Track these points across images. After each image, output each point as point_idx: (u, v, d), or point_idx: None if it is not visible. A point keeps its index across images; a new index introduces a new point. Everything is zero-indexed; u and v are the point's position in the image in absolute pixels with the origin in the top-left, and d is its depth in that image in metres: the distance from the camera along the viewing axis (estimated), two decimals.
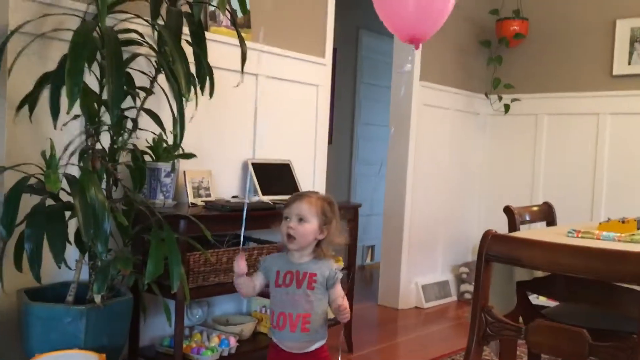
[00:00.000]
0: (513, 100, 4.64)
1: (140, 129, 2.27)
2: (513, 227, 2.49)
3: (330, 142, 5.41)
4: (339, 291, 1.81)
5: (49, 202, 1.95)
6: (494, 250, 1.67)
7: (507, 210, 2.53)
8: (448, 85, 4.58)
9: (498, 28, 4.61)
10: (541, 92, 4.63)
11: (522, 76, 4.69)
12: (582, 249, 1.52)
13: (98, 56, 2.13)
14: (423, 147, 4.42)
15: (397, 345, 3.60)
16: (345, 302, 1.77)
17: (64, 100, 1.85)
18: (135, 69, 2.39)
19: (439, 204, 4.63)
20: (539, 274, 1.90)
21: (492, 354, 2.20)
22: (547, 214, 2.76)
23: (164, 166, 2.54)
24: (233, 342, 2.73)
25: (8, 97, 2.01)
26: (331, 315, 1.86)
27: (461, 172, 4.83)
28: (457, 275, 4.76)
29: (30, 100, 2.13)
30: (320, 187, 3.67)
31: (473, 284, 1.75)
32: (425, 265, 4.52)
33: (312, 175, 3.61)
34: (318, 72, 3.59)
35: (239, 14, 3.02)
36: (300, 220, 1.81)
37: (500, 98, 4.68)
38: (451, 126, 4.68)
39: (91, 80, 2.20)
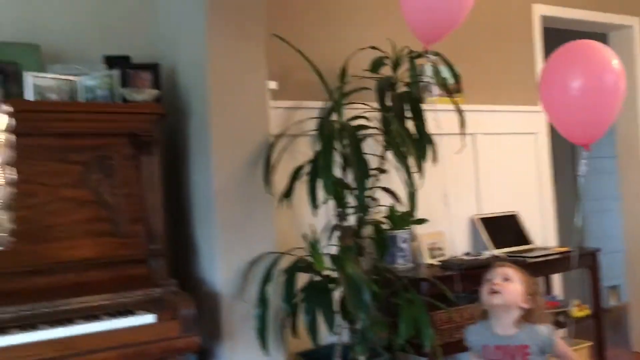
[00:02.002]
0: None
1: (381, 205, 2.55)
2: None
3: (555, 181, 5.27)
4: (562, 350, 1.76)
5: (316, 278, 2.31)
6: None
7: None
8: None
9: None
10: None
11: None
12: None
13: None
14: None
15: None
16: (574, 356, 1.73)
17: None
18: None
19: None
20: None
21: None
22: None
23: (402, 233, 2.79)
24: None
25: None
26: None
27: None
28: None
29: (287, 193, 2.55)
30: (551, 233, 3.64)
31: None
32: None
33: (540, 222, 3.60)
34: (534, 120, 3.61)
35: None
36: (506, 280, 1.84)
37: None
38: None
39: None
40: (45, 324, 1.81)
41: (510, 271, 1.86)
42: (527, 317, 1.85)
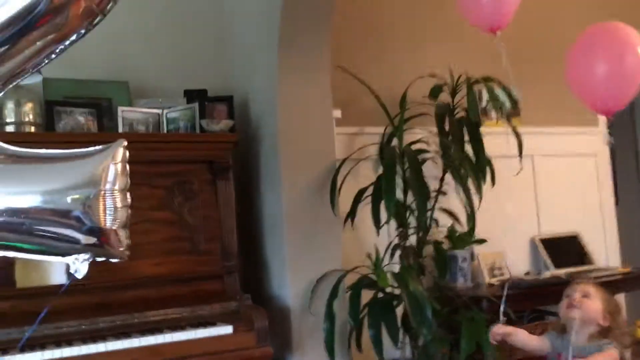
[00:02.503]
0: None
1: (441, 227, 2.67)
2: None
3: (616, 203, 5.21)
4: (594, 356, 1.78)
5: (379, 294, 2.44)
6: None
7: None
8: None
9: None
10: None
11: None
12: None
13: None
14: None
15: None
16: None
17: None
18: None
19: None
20: None
21: None
22: None
23: (461, 253, 2.88)
24: None
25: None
26: None
27: None
28: None
29: (351, 213, 2.70)
30: (614, 254, 3.63)
31: None
32: None
33: (603, 243, 3.59)
34: (593, 141, 3.64)
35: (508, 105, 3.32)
36: (585, 296, 1.88)
37: None
38: None
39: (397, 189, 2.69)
40: (137, 333, 2.02)
41: (591, 289, 1.91)
42: (605, 334, 1.88)
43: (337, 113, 2.71)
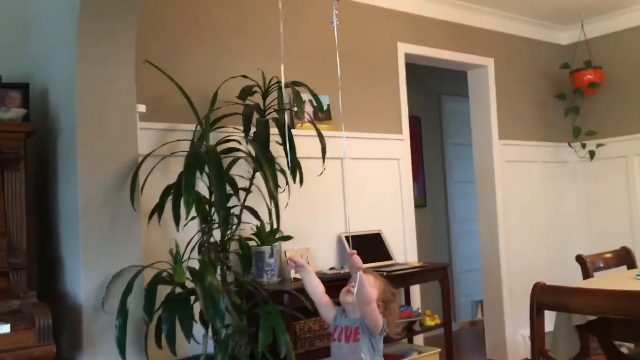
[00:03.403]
0: (598, 145, 4.72)
1: (244, 222, 2.75)
2: (586, 274, 2.66)
3: (424, 204, 5.71)
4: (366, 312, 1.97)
5: (178, 289, 2.45)
6: (543, 299, 1.91)
7: (579, 259, 2.70)
8: (529, 139, 4.78)
9: (572, 80, 4.77)
10: (627, 134, 4.68)
11: (603, 121, 4.79)
12: (614, 292, 1.73)
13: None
14: (512, 201, 4.60)
15: None
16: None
17: (183, 207, 2.37)
18: (236, 174, 2.90)
19: (535, 255, 4.73)
20: (592, 317, 2.08)
21: None
22: (624, 258, 2.88)
23: (267, 249, 2.99)
24: None
25: (141, 208, 2.56)
26: None
27: (555, 221, 4.92)
28: None
29: (158, 209, 2.69)
30: (412, 251, 3.97)
31: None
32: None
33: (402, 241, 3.93)
34: (397, 147, 3.97)
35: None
36: None
37: (583, 145, 4.78)
38: (539, 177, 4.83)
39: (203, 186, 2.73)
40: None
41: (371, 278, 2.07)
42: None
43: (142, 108, 2.69)
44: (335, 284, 3.08)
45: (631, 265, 2.89)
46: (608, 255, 2.83)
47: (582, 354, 2.13)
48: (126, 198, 2.42)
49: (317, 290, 2.14)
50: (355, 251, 1.95)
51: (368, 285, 2.02)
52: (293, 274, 3.03)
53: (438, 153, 5.94)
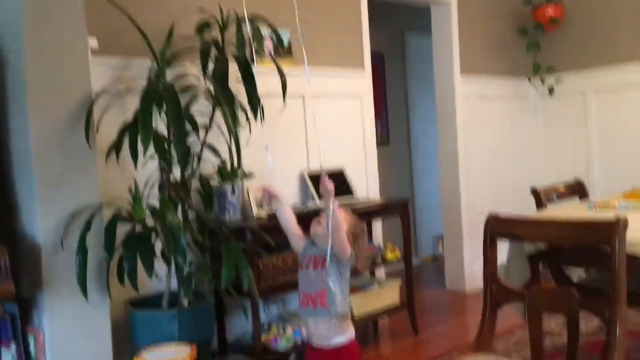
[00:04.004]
0: (557, 81, 4.79)
1: (205, 161, 2.73)
2: (540, 206, 2.74)
3: (387, 142, 5.75)
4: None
5: (138, 228, 2.45)
6: (497, 229, 1.97)
7: (533, 191, 2.78)
8: (491, 74, 4.81)
9: (534, 15, 4.77)
10: (585, 70, 4.75)
11: (563, 57, 4.84)
12: (563, 222, 1.80)
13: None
14: (472, 137, 4.67)
15: (459, 323, 3.88)
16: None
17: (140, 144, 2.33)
18: (196, 111, 2.86)
19: (494, 189, 4.84)
20: (543, 247, 2.16)
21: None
22: (577, 190, 2.97)
23: (228, 187, 2.99)
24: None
25: (98, 147, 2.52)
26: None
27: (514, 156, 5.03)
28: None
29: (116, 147, 2.64)
30: (374, 188, 4.03)
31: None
32: None
33: (364, 178, 3.97)
34: (360, 84, 3.95)
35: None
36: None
37: (543, 81, 4.84)
38: (499, 113, 4.90)
39: (161, 122, 2.69)
40: None
41: (342, 212, 2.05)
42: None
43: (94, 42, 2.59)
44: (298, 219, 3.14)
45: (583, 196, 3.00)
46: (561, 188, 2.92)
47: (532, 282, 2.22)
48: (81, 136, 2.36)
49: (290, 221, 2.14)
50: (326, 175, 1.94)
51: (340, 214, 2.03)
52: (267, 206, 3.02)
53: (401, 91, 5.94)
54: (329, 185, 1.91)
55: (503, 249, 2.16)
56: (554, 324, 3.63)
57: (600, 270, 2.08)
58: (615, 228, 1.62)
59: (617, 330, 1.63)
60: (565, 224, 1.79)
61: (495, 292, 1.97)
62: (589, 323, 3.58)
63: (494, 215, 2.00)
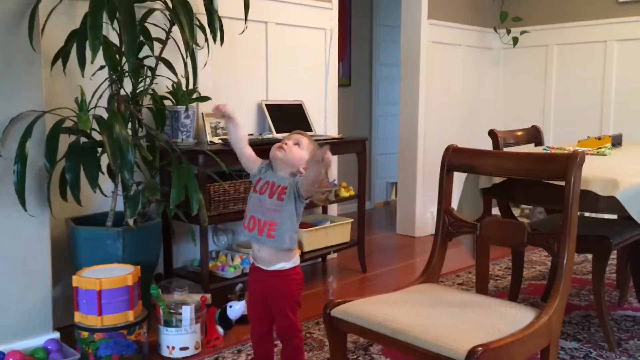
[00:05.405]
0: (522, 32, 4.77)
1: (161, 76, 2.59)
2: (497, 148, 2.74)
3: (349, 84, 5.67)
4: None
5: (83, 140, 2.32)
6: (454, 160, 1.95)
7: (492, 133, 2.77)
8: (457, 21, 4.74)
9: None
10: (549, 24, 4.74)
11: (530, 9, 4.81)
12: (521, 154, 1.78)
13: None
14: (435, 84, 4.63)
15: (407, 265, 3.93)
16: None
17: (89, 53, 2.18)
18: (152, 23, 2.70)
19: (452, 137, 4.84)
20: (497, 181, 2.16)
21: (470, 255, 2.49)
22: (534, 136, 2.98)
23: (182, 109, 2.87)
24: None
25: (44, 53, 2.35)
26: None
27: (474, 105, 5.03)
28: None
29: (62, 55, 2.48)
30: (332, 126, 3.96)
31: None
32: None
33: (323, 114, 3.90)
34: (325, 16, 3.82)
35: None
36: (296, 144, 2.02)
37: (508, 31, 4.81)
38: (463, 62, 4.86)
39: (114, 35, 2.53)
40: None
41: (305, 140, 2.00)
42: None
43: None
44: (253, 149, 3.06)
45: (539, 143, 3.01)
46: (519, 132, 2.92)
47: (483, 216, 2.23)
48: (24, 37, 2.19)
49: (241, 140, 2.05)
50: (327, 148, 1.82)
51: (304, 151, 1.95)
52: (220, 123, 2.92)
53: (367, 33, 5.83)
54: (328, 155, 1.79)
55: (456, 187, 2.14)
56: (497, 269, 3.72)
57: (553, 208, 2.09)
58: (573, 160, 1.61)
59: (565, 263, 1.64)
60: (523, 156, 1.77)
61: (448, 223, 1.96)
62: (531, 269, 3.69)
63: (453, 146, 1.97)
